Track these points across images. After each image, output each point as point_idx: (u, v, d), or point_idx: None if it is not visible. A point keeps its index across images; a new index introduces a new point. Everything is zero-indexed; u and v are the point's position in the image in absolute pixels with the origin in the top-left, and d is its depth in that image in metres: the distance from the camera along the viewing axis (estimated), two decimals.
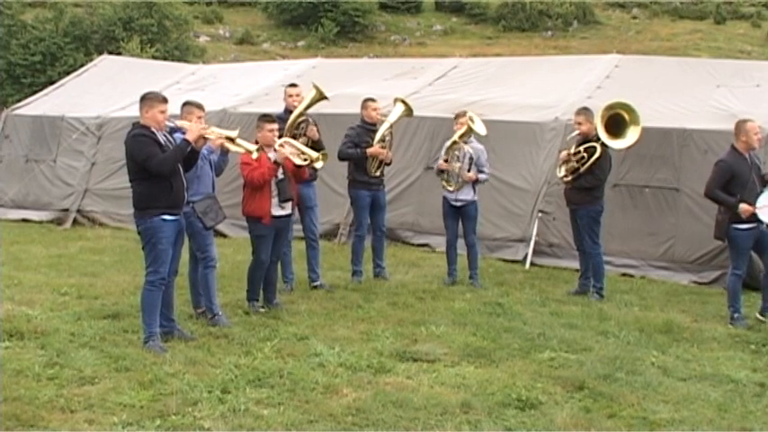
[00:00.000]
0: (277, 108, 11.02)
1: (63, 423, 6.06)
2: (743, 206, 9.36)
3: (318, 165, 9.76)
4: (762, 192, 9.36)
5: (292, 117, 10.43)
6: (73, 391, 6.68)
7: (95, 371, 7.16)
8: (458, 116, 11.18)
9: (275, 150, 9.17)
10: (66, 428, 5.98)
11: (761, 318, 9.66)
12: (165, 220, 7.83)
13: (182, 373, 7.13)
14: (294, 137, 10.22)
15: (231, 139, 8.52)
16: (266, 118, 9.44)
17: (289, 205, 9.41)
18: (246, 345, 8.03)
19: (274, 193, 9.20)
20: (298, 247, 11.00)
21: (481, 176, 11.12)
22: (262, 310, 9.36)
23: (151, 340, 7.88)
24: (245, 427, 6.04)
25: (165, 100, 7.97)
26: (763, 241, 9.63)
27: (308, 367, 7.40)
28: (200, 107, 8.72)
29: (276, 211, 9.26)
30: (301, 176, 9.65)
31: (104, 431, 5.98)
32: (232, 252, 9.58)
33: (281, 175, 9.21)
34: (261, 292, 9.55)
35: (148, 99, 7.92)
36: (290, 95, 10.68)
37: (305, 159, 9.49)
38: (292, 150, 9.37)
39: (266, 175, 9.03)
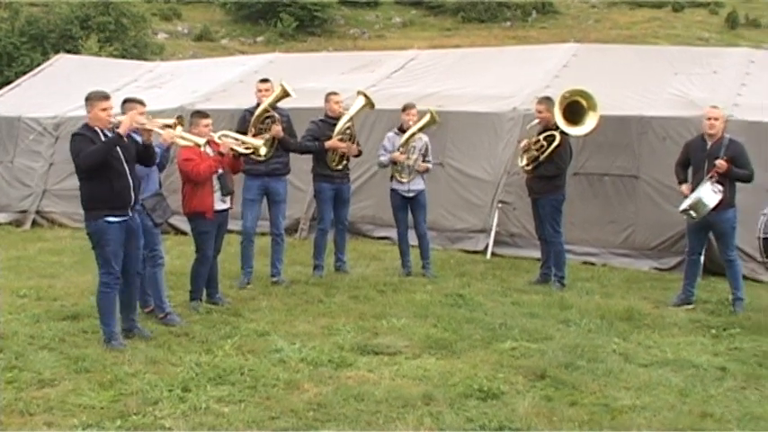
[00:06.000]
0: (233, 104, 11.00)
1: (22, 426, 6.00)
2: (682, 187, 9.92)
3: (262, 151, 9.84)
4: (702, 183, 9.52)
5: (257, 113, 10.46)
6: (32, 394, 6.61)
7: (54, 373, 7.09)
8: (406, 107, 11.22)
9: (214, 144, 9.15)
10: None
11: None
12: (109, 222, 7.75)
13: (142, 372, 7.09)
14: (259, 132, 10.29)
15: (169, 126, 8.24)
16: (200, 113, 9.45)
17: (229, 199, 9.44)
18: (207, 342, 7.99)
19: (216, 187, 9.22)
20: (259, 243, 10.97)
21: (430, 166, 11.25)
22: (201, 310, 9.27)
23: (113, 340, 7.84)
24: (206, 426, 6.00)
25: (106, 97, 7.86)
26: (718, 228, 9.75)
27: (269, 363, 7.38)
28: (141, 103, 8.60)
29: (218, 206, 9.28)
30: (238, 168, 9.69)
31: None
32: (192, 250, 9.50)
33: (220, 170, 9.21)
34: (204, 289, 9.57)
35: (89, 99, 7.85)
36: (259, 90, 10.71)
37: (247, 148, 9.57)
38: (233, 141, 9.38)
39: (213, 167, 9.05)
